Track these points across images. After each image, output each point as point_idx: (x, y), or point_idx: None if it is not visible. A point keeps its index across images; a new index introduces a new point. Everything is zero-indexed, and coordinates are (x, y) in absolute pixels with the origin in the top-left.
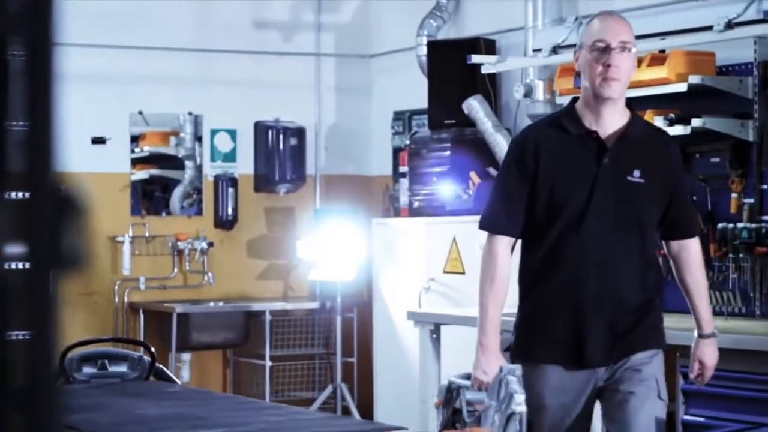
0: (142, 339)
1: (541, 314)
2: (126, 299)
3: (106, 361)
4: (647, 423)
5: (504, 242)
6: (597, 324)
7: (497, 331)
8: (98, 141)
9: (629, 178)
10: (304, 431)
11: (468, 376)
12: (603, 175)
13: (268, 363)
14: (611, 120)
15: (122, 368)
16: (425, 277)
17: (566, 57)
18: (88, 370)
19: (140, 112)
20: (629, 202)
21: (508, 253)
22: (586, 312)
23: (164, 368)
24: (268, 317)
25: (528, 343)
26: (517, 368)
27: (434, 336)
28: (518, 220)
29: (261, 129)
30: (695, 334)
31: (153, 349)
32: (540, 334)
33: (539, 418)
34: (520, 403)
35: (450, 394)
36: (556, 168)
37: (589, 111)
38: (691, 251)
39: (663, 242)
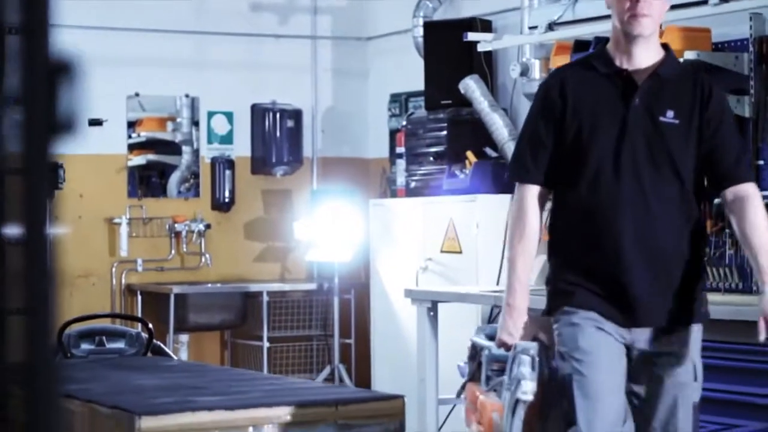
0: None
1: (575, 268)
2: (123, 281)
3: (104, 338)
4: (687, 411)
5: (533, 192)
6: (637, 275)
7: (525, 289)
8: (95, 123)
9: (662, 119)
10: (301, 398)
11: (492, 336)
12: (633, 116)
13: (266, 344)
14: (643, 59)
15: (120, 344)
16: (422, 257)
17: (562, 34)
18: (85, 346)
19: (137, 94)
20: (662, 145)
21: (537, 205)
22: (624, 263)
23: (162, 345)
24: (265, 298)
25: (564, 295)
26: (532, 347)
27: (431, 314)
28: (546, 167)
29: (258, 111)
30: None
31: (151, 325)
32: (577, 285)
33: (583, 374)
34: (525, 392)
35: (474, 351)
36: (583, 108)
37: (620, 51)
38: (746, 197)
39: (722, 198)
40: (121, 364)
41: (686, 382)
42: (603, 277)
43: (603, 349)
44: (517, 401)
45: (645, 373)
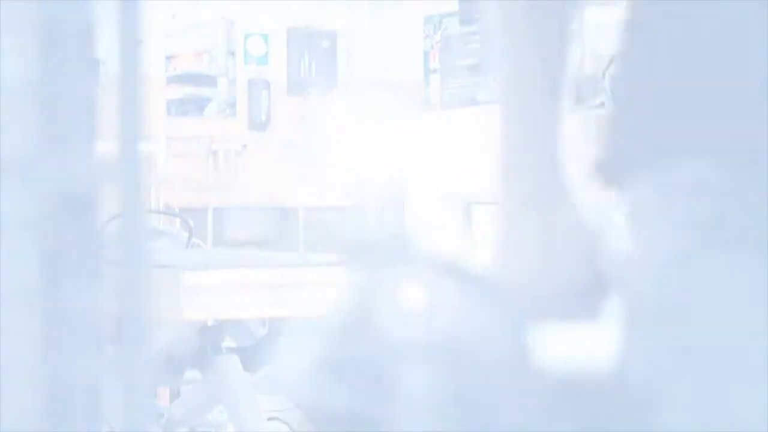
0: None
1: None
2: (161, 199)
3: None
4: None
5: None
6: None
7: None
8: None
9: None
10: None
11: None
12: None
13: None
14: None
15: (160, 244)
16: (458, 167)
17: None
18: None
19: (174, 16)
20: None
21: None
22: None
23: (201, 243)
24: (301, 215)
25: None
26: None
27: (467, 216)
28: None
29: (293, 33)
30: None
31: (191, 222)
32: None
33: None
34: None
35: None
36: None
37: None
38: None
39: None
40: (163, 252)
41: None
42: None
43: None
44: None
45: None
